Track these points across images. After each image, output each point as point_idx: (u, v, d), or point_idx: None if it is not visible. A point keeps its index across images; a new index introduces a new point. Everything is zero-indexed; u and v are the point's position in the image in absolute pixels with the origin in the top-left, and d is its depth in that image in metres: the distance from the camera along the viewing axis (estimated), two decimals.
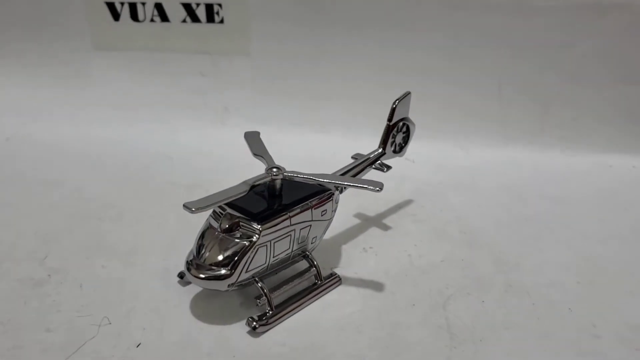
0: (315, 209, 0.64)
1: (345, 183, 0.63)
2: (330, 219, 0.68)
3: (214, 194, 0.58)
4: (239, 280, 0.60)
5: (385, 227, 0.79)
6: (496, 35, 0.97)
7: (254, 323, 0.60)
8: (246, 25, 1.00)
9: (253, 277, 0.61)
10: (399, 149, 0.79)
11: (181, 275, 0.66)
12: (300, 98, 1.02)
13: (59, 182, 0.87)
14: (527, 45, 0.97)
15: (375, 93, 0.97)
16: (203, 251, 0.60)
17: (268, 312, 0.62)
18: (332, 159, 0.76)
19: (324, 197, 0.65)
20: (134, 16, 1.01)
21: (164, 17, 1.01)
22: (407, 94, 0.77)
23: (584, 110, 1.00)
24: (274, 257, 0.62)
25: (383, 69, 0.99)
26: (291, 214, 0.62)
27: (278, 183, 0.63)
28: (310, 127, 1.01)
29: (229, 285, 0.59)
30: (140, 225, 0.75)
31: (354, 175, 0.73)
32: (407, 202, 0.85)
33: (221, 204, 0.59)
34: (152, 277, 0.64)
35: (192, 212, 0.54)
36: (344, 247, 0.74)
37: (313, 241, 0.67)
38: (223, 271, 0.58)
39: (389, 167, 0.77)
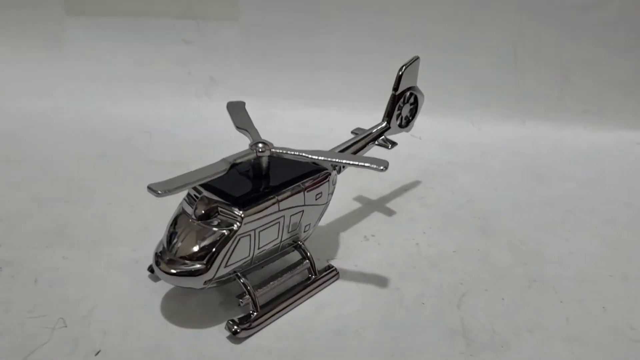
0: (308, 191, 0.55)
1: (344, 161, 0.54)
2: (326, 204, 0.59)
3: (186, 174, 0.49)
4: (217, 276, 0.51)
5: (390, 212, 0.70)
6: None
7: (235, 327, 0.51)
8: (233, 6, 0.90)
9: (234, 272, 0.52)
10: (406, 123, 0.69)
11: (151, 269, 0.57)
12: (293, 68, 0.94)
13: (24, 160, 0.79)
14: (545, 6, 0.87)
15: (376, 62, 0.88)
16: (175, 242, 0.51)
17: (252, 314, 0.53)
18: (329, 136, 0.68)
19: (318, 177, 0.56)
20: None
21: None
22: (415, 59, 0.67)
23: (609, 80, 0.91)
24: (259, 248, 0.53)
25: (385, 35, 0.90)
26: (280, 197, 0.53)
27: (264, 161, 0.54)
28: (304, 100, 0.91)
29: (205, 283, 0.51)
30: (111, 209, 0.68)
31: (355, 153, 0.64)
32: (414, 184, 0.76)
33: (195, 185, 0.49)
34: (118, 271, 0.58)
35: (158, 195, 0.45)
36: (342, 235, 0.66)
37: (306, 229, 0.57)
38: (198, 265, 0.49)
39: (394, 144, 0.67)
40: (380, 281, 0.59)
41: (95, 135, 0.86)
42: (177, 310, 0.54)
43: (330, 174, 0.58)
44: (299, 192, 0.55)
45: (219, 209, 0.51)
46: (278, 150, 0.54)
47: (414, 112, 0.70)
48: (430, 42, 0.85)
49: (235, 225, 0.50)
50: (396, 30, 0.87)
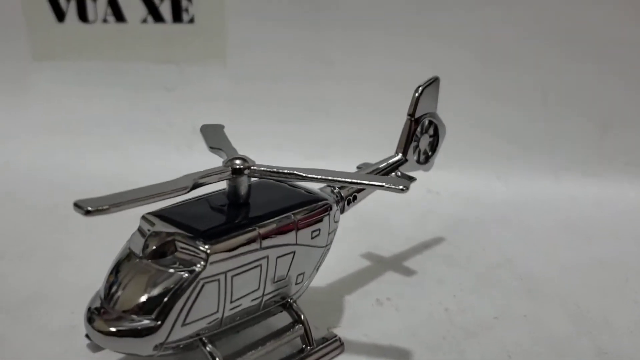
0: (301, 226, 0.41)
1: (352, 181, 0.40)
2: (326, 248, 0.45)
3: (131, 190, 0.35)
4: (171, 338, 0.36)
5: (408, 272, 0.56)
6: (539, 29, 0.76)
7: None
8: (222, 25, 0.80)
9: (197, 335, 0.37)
10: (425, 159, 0.56)
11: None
12: (288, 116, 0.81)
13: None
14: (579, 42, 0.76)
15: (383, 110, 0.75)
16: (115, 290, 0.37)
17: None
18: None
19: (315, 209, 0.43)
20: (83, 16, 0.81)
21: (119, 17, 0.81)
22: (434, 79, 0.55)
23: None
24: (232, 302, 0.38)
25: (392, 78, 0.78)
26: (262, 230, 0.39)
27: (242, 184, 0.40)
28: (300, 152, 0.78)
29: (156, 347, 0.36)
30: (53, 265, 0.53)
31: (358, 192, 0.50)
32: (435, 241, 0.62)
33: (141, 204, 0.35)
34: (48, 338, 0.46)
35: (88, 212, 0.32)
36: (347, 298, 0.51)
37: (298, 280, 0.43)
38: (145, 321, 0.35)
39: (412, 179, 0.53)
40: (401, 355, 0.44)
41: (51, 187, 0.72)
42: None
43: (330, 207, 0.44)
44: (288, 225, 0.41)
45: (177, 243, 0.37)
46: (261, 169, 0.40)
47: (434, 146, 0.57)
48: (447, 82, 0.73)
49: (198, 266, 0.36)
50: (407, 69, 0.75)
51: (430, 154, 0.57)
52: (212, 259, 0.37)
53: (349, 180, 0.40)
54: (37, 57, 0.84)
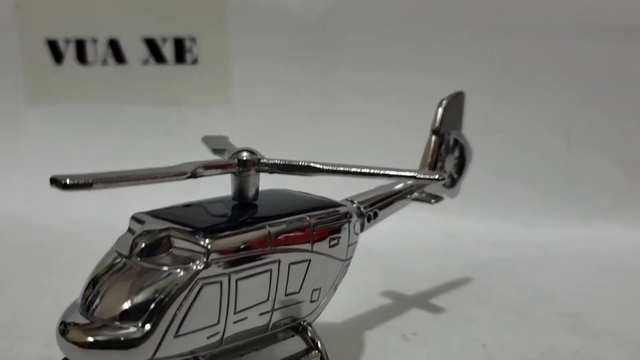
0: (318, 231, 0.35)
1: (380, 172, 0.35)
2: (345, 263, 0.38)
3: (121, 170, 0.30)
4: (161, 354, 0.29)
5: (434, 309, 0.50)
6: (561, 69, 0.72)
7: None
8: (226, 66, 0.76)
9: (192, 354, 0.30)
10: (450, 183, 0.50)
11: None
12: (297, 158, 0.75)
13: None
14: (603, 83, 0.72)
15: (396, 156, 0.70)
16: (95, 295, 0.30)
17: None
18: None
19: (334, 214, 0.36)
20: (82, 57, 0.78)
21: (119, 58, 0.77)
22: (459, 94, 0.50)
23: None
24: (236, 312, 0.31)
25: (405, 121, 0.73)
26: (273, 229, 0.33)
27: (250, 180, 0.35)
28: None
29: None
30: (29, 300, 0.46)
31: (380, 209, 0.44)
32: (462, 281, 0.56)
33: (128, 184, 0.30)
34: None
35: (65, 186, 0.26)
36: (368, 333, 0.45)
37: (314, 297, 0.36)
38: (131, 329, 0.28)
39: (438, 198, 0.48)
40: None
41: (36, 229, 0.66)
42: None
43: (351, 215, 0.38)
44: (303, 228, 0.34)
45: (173, 239, 0.31)
46: (271, 162, 0.35)
47: (460, 168, 0.51)
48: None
49: (197, 263, 0.30)
50: (420, 111, 0.71)
51: (456, 177, 0.52)
52: (213, 256, 0.30)
53: (375, 171, 0.35)
54: (32, 99, 0.80)
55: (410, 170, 0.34)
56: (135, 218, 0.34)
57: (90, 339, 0.29)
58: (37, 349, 0.41)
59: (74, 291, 0.43)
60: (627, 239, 0.70)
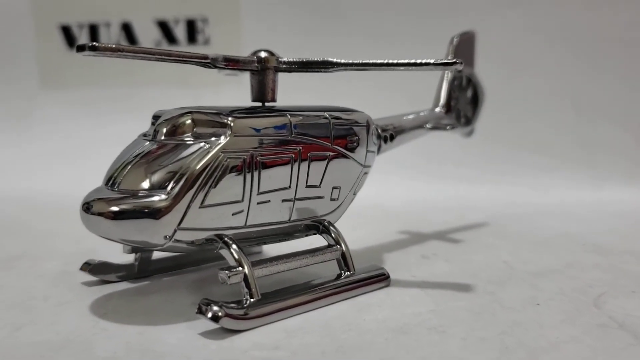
0: (336, 129, 0.35)
1: (397, 62, 0.35)
2: (363, 169, 0.39)
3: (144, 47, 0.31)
4: (188, 223, 0.30)
5: (452, 240, 0.50)
6: (561, 34, 0.73)
7: (215, 308, 0.29)
8: (238, 46, 0.78)
9: (217, 231, 0.30)
10: (465, 121, 0.51)
11: (86, 267, 0.36)
12: None
13: None
14: (611, 51, 0.72)
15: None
16: (120, 170, 0.30)
17: (246, 299, 0.29)
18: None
19: (353, 115, 0.37)
20: (95, 41, 0.79)
21: (132, 41, 0.79)
22: (470, 32, 0.51)
23: None
24: (259, 193, 0.31)
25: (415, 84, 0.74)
26: (294, 119, 0.33)
27: (269, 77, 0.35)
28: None
29: (167, 237, 0.29)
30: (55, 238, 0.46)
31: (397, 133, 0.44)
32: (478, 224, 0.56)
33: (149, 59, 0.31)
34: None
35: (92, 48, 0.27)
36: (386, 255, 0.44)
37: (334, 196, 0.36)
38: (156, 197, 0.28)
39: (453, 126, 0.48)
40: (460, 287, 0.37)
41: (49, 211, 0.66)
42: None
43: (369, 121, 0.38)
44: (323, 124, 0.35)
45: (196, 118, 0.31)
46: (290, 59, 0.36)
47: (473, 108, 0.52)
48: None
49: (221, 138, 0.30)
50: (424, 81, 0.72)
51: (470, 116, 0.52)
52: (236, 132, 0.31)
53: (392, 62, 0.35)
54: (46, 85, 0.81)
55: (426, 60, 0.35)
56: (155, 115, 0.35)
57: (115, 208, 0.29)
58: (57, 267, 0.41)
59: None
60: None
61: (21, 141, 0.80)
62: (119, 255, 0.37)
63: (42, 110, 0.81)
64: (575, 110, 0.75)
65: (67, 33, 0.80)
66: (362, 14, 0.77)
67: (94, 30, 0.80)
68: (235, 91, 0.81)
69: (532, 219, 0.58)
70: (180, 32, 0.78)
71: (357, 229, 0.49)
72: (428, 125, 0.47)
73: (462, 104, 0.51)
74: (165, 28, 0.79)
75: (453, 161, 0.74)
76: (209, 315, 0.28)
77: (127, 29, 0.79)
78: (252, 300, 0.30)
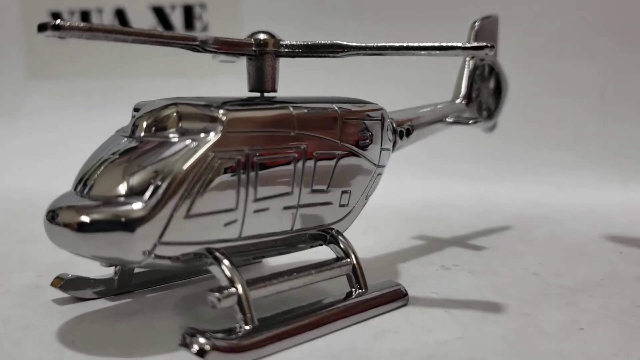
0: (347, 124, 0.30)
1: (418, 45, 0.30)
2: (377, 169, 0.34)
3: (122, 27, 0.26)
4: (169, 237, 0.24)
5: (475, 247, 0.45)
6: (590, 18, 0.67)
7: (201, 340, 0.23)
8: (237, 34, 0.72)
9: (207, 245, 0.26)
10: (487, 114, 0.46)
11: (57, 283, 0.31)
12: None
13: None
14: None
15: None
16: (91, 173, 0.25)
17: (240, 327, 0.25)
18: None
19: (365, 109, 0.32)
20: None
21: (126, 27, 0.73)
22: (491, 16, 0.46)
23: None
24: (256, 200, 0.26)
25: (427, 80, 0.69)
26: (297, 112, 0.28)
27: (268, 63, 0.30)
28: None
29: (147, 252, 0.25)
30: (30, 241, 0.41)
31: (414, 128, 0.39)
32: (502, 228, 0.51)
33: (132, 40, 0.26)
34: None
35: (55, 28, 0.23)
36: (402, 265, 0.40)
37: (343, 201, 0.31)
38: (134, 205, 0.23)
39: (475, 119, 0.43)
40: (489, 307, 0.32)
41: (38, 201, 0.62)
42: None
43: (383, 115, 0.33)
44: (331, 118, 0.30)
45: (182, 111, 0.27)
46: (292, 43, 0.31)
47: (496, 100, 0.47)
48: None
49: (210, 134, 0.25)
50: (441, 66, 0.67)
51: (493, 109, 0.47)
52: (229, 128, 0.26)
53: (411, 45, 0.30)
54: (34, 74, 0.76)
55: (453, 44, 0.30)
56: (136, 108, 0.30)
57: (84, 218, 0.25)
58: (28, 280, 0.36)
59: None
60: None
61: (6, 134, 0.76)
62: (99, 268, 0.32)
63: (29, 101, 0.77)
64: (602, 103, 0.70)
65: (57, 19, 0.75)
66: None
67: (85, 17, 0.75)
68: (237, 82, 0.76)
69: (557, 222, 0.53)
70: (177, 18, 0.74)
71: (366, 233, 0.44)
72: (448, 119, 0.42)
73: (484, 96, 0.46)
74: (161, 14, 0.74)
75: (469, 158, 0.69)
76: (194, 349, 0.24)
77: (120, 15, 0.74)
78: (246, 327, 0.25)
